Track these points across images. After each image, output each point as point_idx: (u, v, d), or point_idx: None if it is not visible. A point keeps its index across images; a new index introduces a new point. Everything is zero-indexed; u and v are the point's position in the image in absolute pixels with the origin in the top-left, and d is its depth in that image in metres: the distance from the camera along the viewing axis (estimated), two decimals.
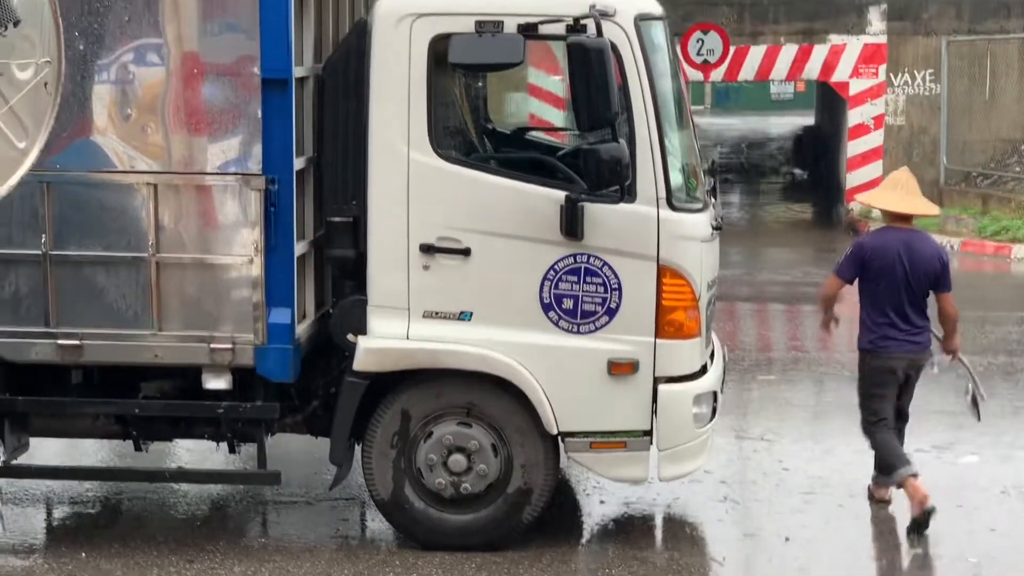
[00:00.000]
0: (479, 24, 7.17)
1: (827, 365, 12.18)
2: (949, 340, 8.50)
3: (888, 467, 8.17)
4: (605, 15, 7.06)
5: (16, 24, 5.15)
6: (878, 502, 8.38)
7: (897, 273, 8.20)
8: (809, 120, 35.79)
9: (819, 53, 21.60)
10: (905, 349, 8.30)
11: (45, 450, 8.61)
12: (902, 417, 8.54)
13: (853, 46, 21.57)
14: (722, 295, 15.23)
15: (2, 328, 7.31)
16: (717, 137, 36.17)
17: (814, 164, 28.62)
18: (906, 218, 8.33)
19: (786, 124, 38.58)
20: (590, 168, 7.09)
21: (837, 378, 11.59)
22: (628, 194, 7.22)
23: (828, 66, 21.68)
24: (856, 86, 21.66)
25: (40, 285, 7.39)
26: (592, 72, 6.89)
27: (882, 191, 8.62)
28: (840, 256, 8.54)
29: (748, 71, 21.77)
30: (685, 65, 20.86)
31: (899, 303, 8.24)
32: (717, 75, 21.29)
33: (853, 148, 21.83)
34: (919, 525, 7.83)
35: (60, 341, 7.40)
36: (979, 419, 8.86)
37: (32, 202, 7.29)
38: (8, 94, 5.32)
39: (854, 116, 21.73)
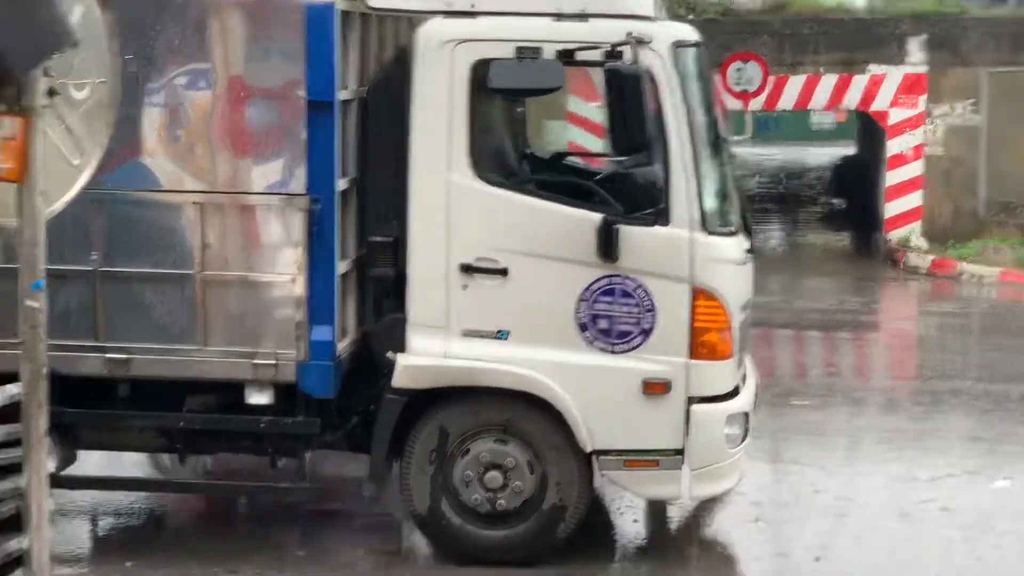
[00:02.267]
0: (519, 50, 7.35)
1: (861, 391, 12.29)
2: None
3: None
4: (642, 42, 7.23)
5: (75, 46, 5.34)
6: None
7: None
8: (849, 150, 35.80)
9: (859, 83, 21.64)
10: None
11: (90, 464, 8.81)
12: None
13: (893, 76, 21.61)
14: (760, 322, 15.37)
15: (53, 342, 7.46)
16: (756, 167, 36.19)
17: (853, 194, 28.64)
18: None
19: (826, 154, 38.54)
20: (625, 191, 7.28)
21: (871, 404, 11.71)
22: (662, 217, 7.39)
23: (868, 96, 21.72)
24: (895, 116, 21.69)
25: (90, 301, 7.60)
26: (628, 98, 7.05)
27: None
28: None
29: (787, 100, 21.84)
30: (724, 94, 21.02)
31: None
32: (756, 104, 21.35)
33: (892, 178, 21.85)
34: None
35: (108, 355, 7.61)
36: None
37: (84, 220, 7.51)
38: (65, 113, 5.51)
39: (893, 146, 21.76)
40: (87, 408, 7.85)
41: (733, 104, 21.00)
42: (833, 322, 15.99)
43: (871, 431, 10.62)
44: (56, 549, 7.76)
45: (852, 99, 21.88)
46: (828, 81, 21.67)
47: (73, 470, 8.14)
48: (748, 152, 40.54)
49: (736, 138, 41.87)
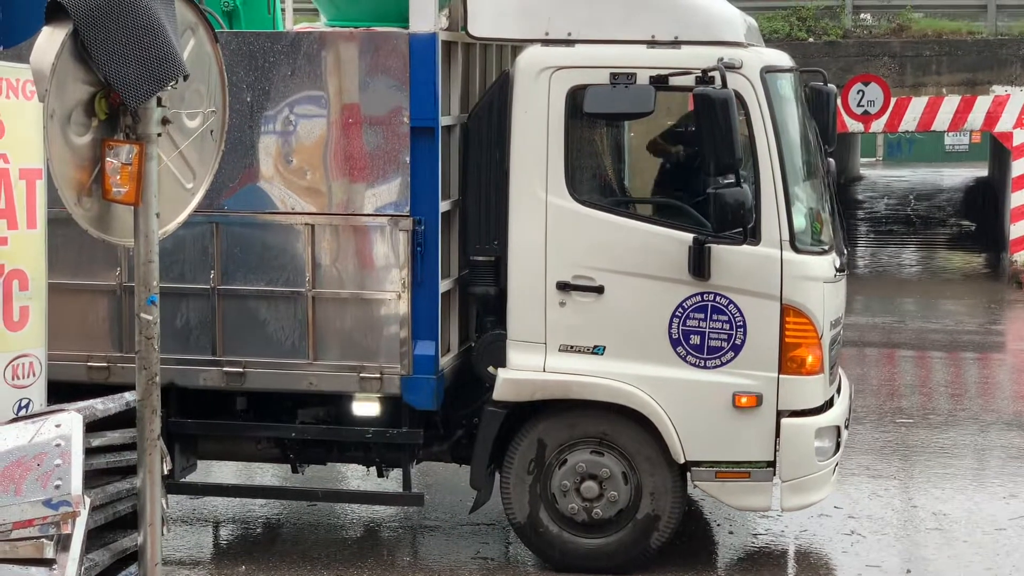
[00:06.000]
0: (613, 76, 7.66)
1: (971, 411, 12.31)
2: None
3: None
4: (732, 67, 7.48)
5: (186, 78, 5.74)
6: None
7: None
8: (983, 172, 35.42)
9: (982, 104, 21.49)
10: None
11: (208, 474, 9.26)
12: None
13: (1017, 97, 21.42)
14: (875, 341, 15.46)
15: (174, 356, 7.94)
16: (885, 189, 35.99)
17: (983, 215, 28.36)
18: None
19: (959, 176, 38.21)
20: (715, 211, 7.50)
21: (978, 423, 11.74)
22: (752, 236, 7.62)
23: (991, 117, 21.57)
24: (1020, 136, 21.50)
25: (208, 317, 8.05)
26: (716, 120, 7.30)
27: None
28: None
29: (909, 122, 21.78)
30: (845, 116, 21.05)
31: None
32: (877, 126, 21.35)
33: (1017, 199, 21.65)
34: None
35: (225, 368, 8.04)
36: None
37: (203, 241, 7.98)
38: (178, 140, 5.91)
39: (1018, 167, 21.57)
40: (207, 420, 8.30)
41: (854, 126, 21.02)
42: (951, 343, 15.96)
43: (975, 449, 10.70)
44: (176, 553, 8.29)
45: (975, 120, 21.73)
46: (951, 103, 21.56)
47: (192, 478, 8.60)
48: (878, 174, 40.39)
49: (866, 160, 41.16)
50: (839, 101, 20.81)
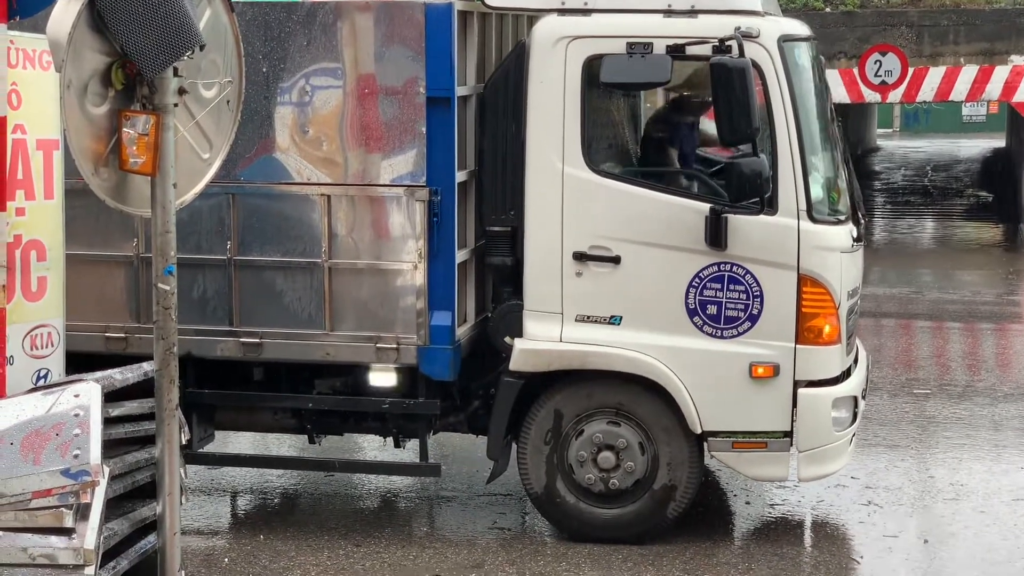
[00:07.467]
0: (630, 46, 7.64)
1: (986, 382, 12.29)
2: None
3: None
4: (749, 36, 7.46)
5: (202, 48, 5.74)
6: None
7: None
8: (1000, 142, 35.29)
9: (1000, 74, 21.40)
10: None
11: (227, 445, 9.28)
12: None
13: None
14: (892, 312, 15.45)
15: (191, 327, 7.94)
16: (902, 160, 35.91)
17: (1000, 187, 28.27)
18: None
19: (976, 146, 38.09)
20: (732, 181, 7.50)
21: (994, 394, 11.72)
22: (769, 206, 7.60)
23: (1009, 87, 21.47)
24: None
25: (225, 288, 8.05)
26: (734, 90, 7.27)
27: None
28: None
29: (927, 92, 21.70)
30: (862, 86, 20.96)
31: None
32: (895, 96, 21.27)
33: None
34: None
35: (242, 339, 8.05)
36: None
37: (219, 212, 7.98)
38: (194, 110, 5.92)
39: None
40: (224, 390, 8.31)
41: (871, 96, 20.94)
42: (968, 313, 15.91)
43: (992, 420, 10.68)
44: (194, 523, 8.32)
45: (993, 90, 21.65)
46: (968, 72, 21.47)
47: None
48: (896, 145, 40.29)
49: (883, 131, 41.14)
50: (856, 71, 20.79)
